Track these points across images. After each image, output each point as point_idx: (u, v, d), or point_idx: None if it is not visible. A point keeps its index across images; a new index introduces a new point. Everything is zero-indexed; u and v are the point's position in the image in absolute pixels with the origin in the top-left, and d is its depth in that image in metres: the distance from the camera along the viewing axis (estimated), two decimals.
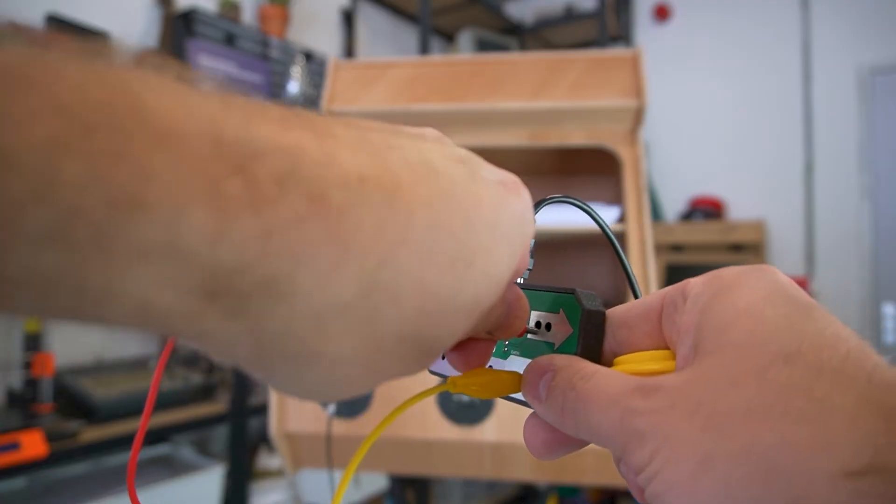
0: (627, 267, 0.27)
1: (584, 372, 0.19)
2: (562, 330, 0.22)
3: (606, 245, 1.34)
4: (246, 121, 0.13)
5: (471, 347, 0.21)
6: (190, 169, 0.12)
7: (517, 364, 0.23)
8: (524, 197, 0.20)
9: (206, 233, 0.12)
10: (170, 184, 0.11)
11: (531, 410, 0.22)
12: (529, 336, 0.24)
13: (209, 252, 0.12)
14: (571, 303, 0.22)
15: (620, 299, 1.22)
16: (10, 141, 0.10)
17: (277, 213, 0.13)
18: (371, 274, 0.14)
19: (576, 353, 0.21)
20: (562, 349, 0.22)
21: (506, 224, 0.18)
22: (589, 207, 0.27)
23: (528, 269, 0.25)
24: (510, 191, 0.19)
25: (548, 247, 1.42)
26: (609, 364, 0.21)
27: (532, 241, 0.22)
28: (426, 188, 0.16)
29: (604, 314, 0.22)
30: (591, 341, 0.22)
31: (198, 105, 0.12)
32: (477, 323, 0.19)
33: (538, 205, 0.24)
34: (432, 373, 0.26)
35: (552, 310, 0.23)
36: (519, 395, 0.23)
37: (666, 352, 0.20)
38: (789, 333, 0.16)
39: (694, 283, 0.19)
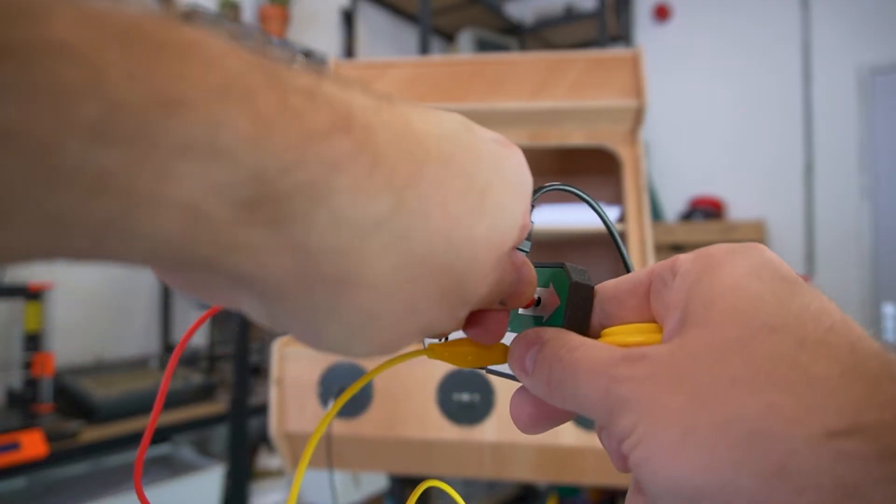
0: (622, 248, 0.28)
1: (570, 344, 0.19)
2: (551, 303, 0.23)
3: (606, 245, 1.34)
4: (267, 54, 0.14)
5: (488, 318, 0.22)
6: (223, 75, 0.12)
7: (506, 338, 0.23)
8: (519, 153, 0.21)
9: (246, 135, 0.12)
10: (206, 87, 0.12)
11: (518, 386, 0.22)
12: (520, 311, 0.24)
13: (249, 154, 0.13)
14: (561, 276, 0.22)
15: None
16: (64, 34, 0.10)
17: (310, 123, 0.14)
18: (399, 192, 0.15)
19: (562, 326, 0.21)
20: (549, 322, 0.22)
21: (508, 170, 0.19)
22: (587, 195, 0.27)
23: (526, 251, 0.25)
24: (505, 146, 0.20)
25: (548, 247, 1.42)
26: (596, 336, 0.21)
27: (531, 226, 0.23)
28: (435, 128, 0.17)
29: (591, 287, 0.22)
30: (578, 313, 0.22)
31: (220, 38, 0.13)
32: (494, 285, 0.19)
33: (537, 191, 0.24)
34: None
35: (543, 284, 0.23)
36: (503, 368, 0.23)
37: (652, 325, 0.20)
38: (775, 307, 0.16)
39: (683, 260, 0.19)
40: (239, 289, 0.16)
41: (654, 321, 0.20)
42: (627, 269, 0.25)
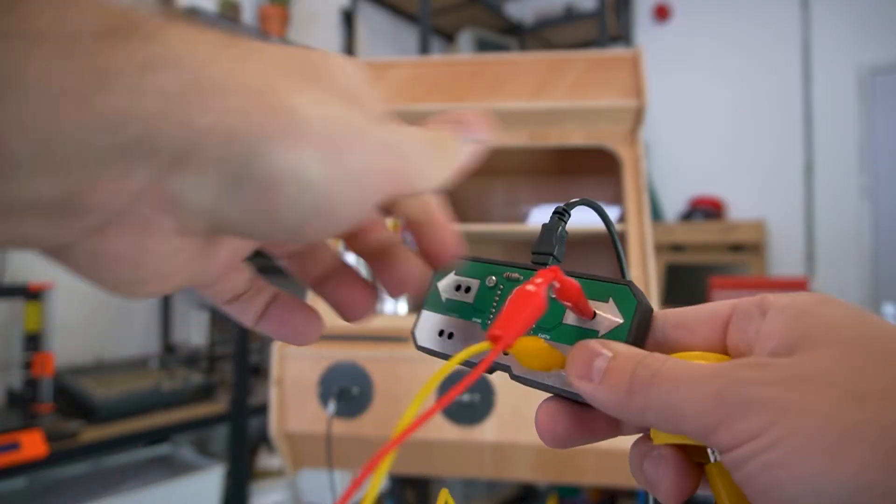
0: (620, 253, 0.28)
1: (656, 355, 0.19)
2: (607, 319, 0.22)
3: (607, 245, 1.34)
4: None
5: (396, 263, 0.23)
6: None
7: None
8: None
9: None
10: None
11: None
12: (567, 322, 0.23)
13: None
14: (625, 294, 0.23)
15: None
16: None
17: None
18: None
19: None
20: (607, 337, 0.22)
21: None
22: (600, 208, 0.28)
23: (557, 258, 0.26)
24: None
25: None
26: None
27: (563, 234, 0.24)
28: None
29: (652, 310, 0.22)
30: (640, 335, 0.22)
31: None
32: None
33: (569, 206, 0.26)
34: (423, 349, 0.26)
35: (599, 298, 0.23)
36: (544, 379, 0.22)
37: (722, 355, 0.20)
38: (888, 329, 0.17)
39: (776, 298, 0.20)
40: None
41: (725, 353, 0.21)
42: (623, 275, 0.25)
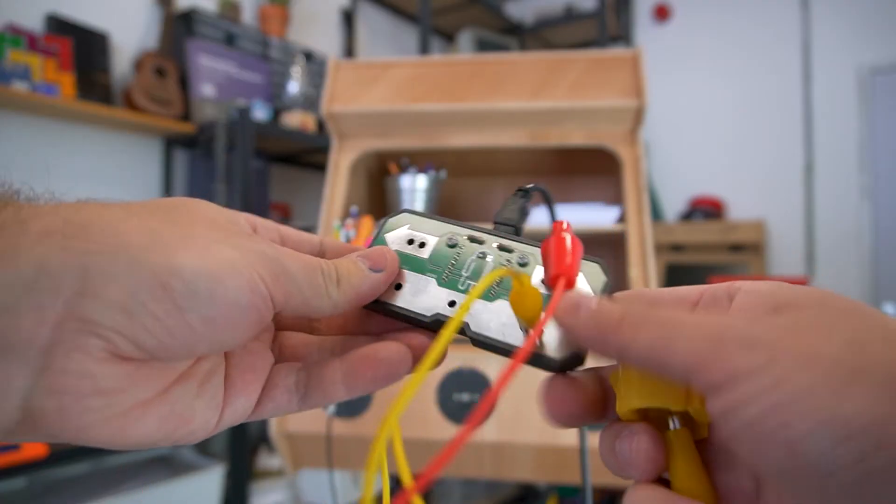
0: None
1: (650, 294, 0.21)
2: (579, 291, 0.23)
3: (606, 245, 1.34)
4: None
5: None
6: None
7: (504, 309, 0.23)
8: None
9: None
10: None
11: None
12: (543, 290, 0.23)
13: None
14: (596, 270, 0.23)
15: None
16: None
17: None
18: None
19: None
20: None
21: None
22: (547, 193, 0.29)
23: (518, 229, 0.27)
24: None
25: None
26: None
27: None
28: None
29: (612, 288, 0.23)
30: None
31: None
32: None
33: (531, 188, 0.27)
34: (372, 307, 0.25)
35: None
36: (503, 338, 0.22)
37: None
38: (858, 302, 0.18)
39: (742, 283, 0.21)
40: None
41: None
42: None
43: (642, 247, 1.03)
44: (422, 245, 0.26)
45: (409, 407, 0.95)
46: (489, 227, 0.27)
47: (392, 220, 0.26)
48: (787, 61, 2.85)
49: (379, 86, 1.19)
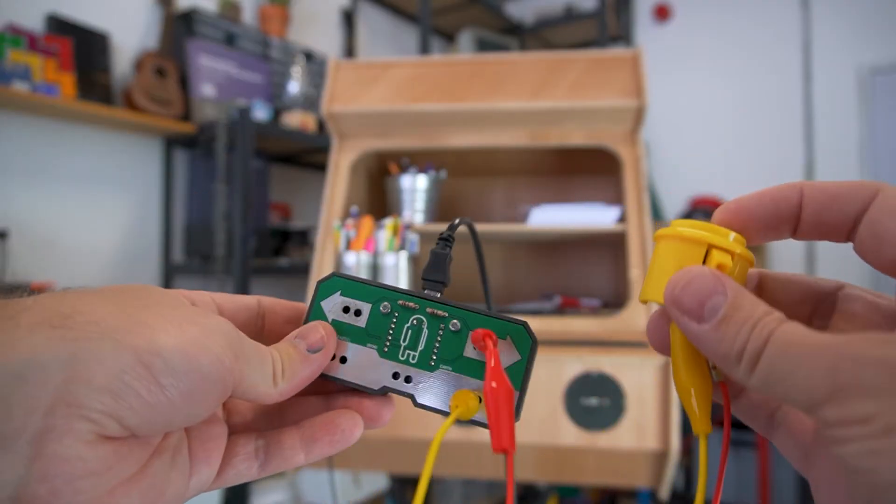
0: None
1: (773, 314, 0.18)
2: (505, 356, 0.24)
3: (606, 245, 1.34)
4: None
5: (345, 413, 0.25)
6: None
7: (445, 377, 0.25)
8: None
9: None
10: None
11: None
12: (468, 355, 0.25)
13: None
14: (521, 333, 0.24)
15: (620, 299, 1.22)
16: None
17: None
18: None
19: (522, 383, 0.24)
20: (507, 372, 0.24)
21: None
22: (473, 228, 0.30)
23: (445, 284, 0.27)
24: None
25: (548, 246, 1.42)
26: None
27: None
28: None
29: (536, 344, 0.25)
30: (531, 368, 0.24)
31: None
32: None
33: (453, 226, 0.27)
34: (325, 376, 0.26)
35: (499, 335, 0.24)
36: (445, 408, 0.25)
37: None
38: None
39: (840, 283, 0.22)
40: None
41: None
42: (484, 283, 0.26)
43: (643, 247, 1.03)
44: (357, 313, 0.26)
45: (409, 407, 0.95)
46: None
47: (325, 285, 0.27)
48: (788, 61, 2.85)
49: (379, 86, 1.19)
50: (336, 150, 1.20)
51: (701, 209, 2.92)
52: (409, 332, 0.25)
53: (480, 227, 1.14)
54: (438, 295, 0.26)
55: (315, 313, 0.26)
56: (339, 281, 0.26)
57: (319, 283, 0.27)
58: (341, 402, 0.26)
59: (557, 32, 3.12)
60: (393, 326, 0.26)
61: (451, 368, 0.25)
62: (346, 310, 0.26)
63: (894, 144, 2.65)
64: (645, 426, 0.91)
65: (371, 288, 0.26)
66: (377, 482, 1.88)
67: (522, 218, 1.35)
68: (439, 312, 0.25)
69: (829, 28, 2.76)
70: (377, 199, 1.36)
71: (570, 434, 0.92)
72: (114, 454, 0.18)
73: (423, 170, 1.22)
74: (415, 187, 1.20)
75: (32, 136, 1.63)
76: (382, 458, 1.00)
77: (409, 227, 1.08)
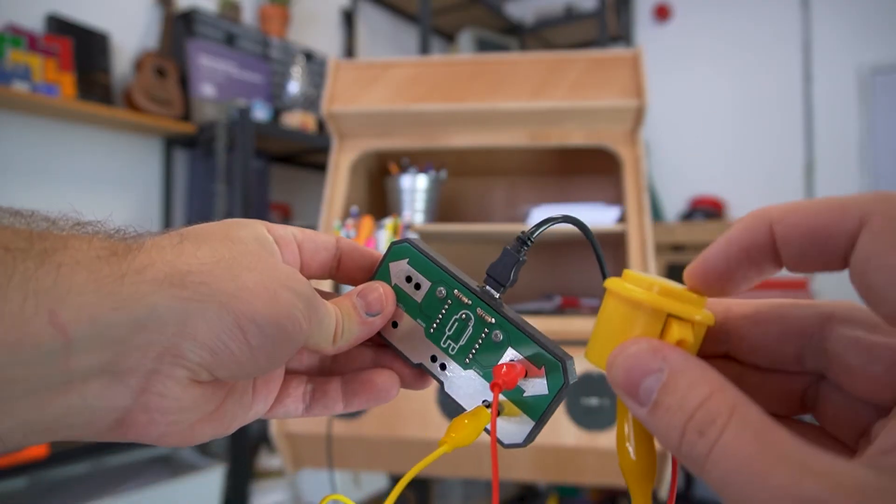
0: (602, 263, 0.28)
1: (715, 405, 0.15)
2: (535, 387, 0.24)
3: (607, 245, 1.34)
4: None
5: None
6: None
7: (474, 380, 0.25)
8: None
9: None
10: None
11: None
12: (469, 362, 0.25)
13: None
14: (557, 370, 0.24)
15: None
16: None
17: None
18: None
19: (537, 422, 0.24)
20: (528, 401, 0.24)
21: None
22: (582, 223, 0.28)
23: (505, 287, 0.26)
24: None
25: (548, 247, 1.42)
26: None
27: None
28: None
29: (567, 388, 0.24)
30: (556, 407, 0.24)
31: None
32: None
33: (540, 224, 0.26)
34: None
35: (535, 363, 0.24)
36: (466, 407, 0.25)
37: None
38: None
39: (835, 312, 0.19)
40: None
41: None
42: (604, 275, 0.25)
43: (643, 247, 1.03)
44: (417, 286, 0.26)
45: (409, 407, 0.95)
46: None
47: (396, 249, 0.27)
48: (788, 61, 2.85)
49: (379, 86, 1.19)
50: (336, 150, 1.20)
51: (701, 209, 2.92)
52: (456, 323, 0.26)
53: (480, 228, 1.14)
54: (497, 295, 0.26)
55: (382, 273, 0.27)
56: (410, 250, 0.27)
57: (392, 244, 0.27)
58: (387, 361, 0.27)
59: (557, 32, 3.12)
60: (444, 313, 0.26)
61: (481, 374, 0.25)
62: (408, 279, 0.27)
63: (894, 144, 2.65)
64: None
65: (435, 267, 0.26)
66: (377, 482, 1.88)
67: (522, 218, 1.35)
68: (488, 318, 0.25)
69: (829, 28, 2.76)
70: (377, 199, 1.36)
71: (570, 434, 0.92)
72: (201, 395, 0.22)
73: (423, 170, 1.22)
74: (415, 187, 1.20)
75: (32, 136, 1.63)
76: (382, 458, 1.00)
77: (409, 227, 1.08)
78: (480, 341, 0.25)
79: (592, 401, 0.91)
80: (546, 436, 0.92)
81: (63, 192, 1.69)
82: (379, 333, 0.27)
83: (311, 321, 0.23)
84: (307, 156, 2.24)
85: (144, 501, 1.41)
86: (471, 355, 0.25)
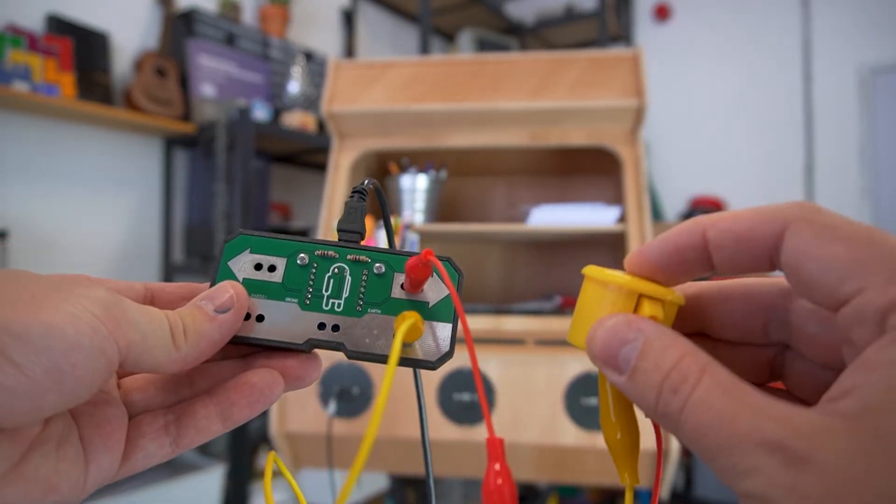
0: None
1: (688, 365, 0.16)
2: (433, 291, 0.24)
3: (607, 245, 1.34)
4: None
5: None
6: None
7: (375, 321, 0.24)
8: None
9: None
10: None
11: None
12: (395, 296, 0.24)
13: None
14: (447, 268, 0.24)
15: None
16: None
17: None
18: None
19: (454, 320, 0.24)
20: (437, 308, 0.24)
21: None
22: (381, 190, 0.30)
23: (362, 234, 0.27)
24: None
25: (548, 247, 1.42)
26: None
27: None
28: None
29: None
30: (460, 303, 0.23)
31: None
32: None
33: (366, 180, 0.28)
34: (240, 340, 0.24)
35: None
36: (378, 350, 0.23)
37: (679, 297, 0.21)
38: None
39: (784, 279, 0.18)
40: None
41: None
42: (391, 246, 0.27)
43: None
44: (272, 269, 0.25)
45: (409, 407, 0.95)
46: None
47: (231, 245, 0.25)
48: (788, 61, 2.85)
49: (379, 86, 1.19)
50: (336, 150, 1.20)
51: (701, 209, 2.92)
52: (332, 280, 0.24)
53: (480, 228, 1.14)
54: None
55: (222, 275, 0.25)
56: (248, 238, 0.25)
57: (225, 242, 0.25)
58: (262, 363, 0.23)
59: (557, 32, 3.12)
60: (313, 277, 0.25)
61: (379, 311, 0.24)
62: (258, 267, 0.25)
63: (894, 144, 2.65)
64: (645, 426, 0.91)
65: (284, 242, 0.25)
66: (377, 482, 1.88)
67: (523, 218, 1.35)
68: (361, 258, 0.25)
69: (830, 28, 2.76)
70: (377, 199, 1.36)
71: (570, 434, 0.91)
72: None
73: (423, 170, 1.22)
74: (415, 187, 1.20)
75: (32, 136, 1.63)
76: (382, 458, 1.00)
77: (409, 227, 1.08)
78: (364, 282, 0.24)
79: (593, 401, 0.91)
80: (546, 436, 0.92)
81: (63, 192, 1.69)
82: (241, 339, 0.23)
83: (122, 324, 0.18)
84: (307, 156, 2.24)
85: (144, 501, 1.41)
86: (360, 301, 0.24)
